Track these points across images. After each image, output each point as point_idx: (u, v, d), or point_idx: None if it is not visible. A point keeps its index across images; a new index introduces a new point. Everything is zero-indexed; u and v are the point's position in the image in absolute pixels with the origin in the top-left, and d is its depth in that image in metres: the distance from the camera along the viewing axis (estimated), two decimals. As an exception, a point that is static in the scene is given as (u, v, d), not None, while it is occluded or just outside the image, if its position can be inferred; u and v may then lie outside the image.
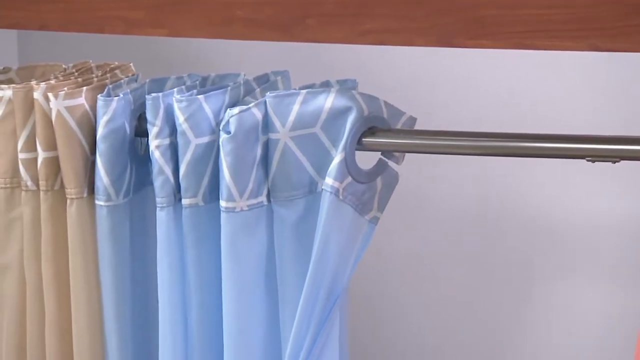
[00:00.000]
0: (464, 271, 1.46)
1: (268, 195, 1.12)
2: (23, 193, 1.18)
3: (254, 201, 1.10)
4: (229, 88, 1.14)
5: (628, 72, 1.29)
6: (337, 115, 1.08)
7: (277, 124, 1.09)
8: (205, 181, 1.12)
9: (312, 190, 1.11)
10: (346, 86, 1.14)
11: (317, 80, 1.14)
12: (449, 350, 1.50)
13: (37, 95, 1.15)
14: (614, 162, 1.03)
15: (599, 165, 1.03)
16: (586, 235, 1.37)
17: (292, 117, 1.09)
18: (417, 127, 1.11)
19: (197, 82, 1.20)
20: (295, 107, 1.09)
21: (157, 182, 1.13)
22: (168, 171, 1.12)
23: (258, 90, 1.18)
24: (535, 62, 1.30)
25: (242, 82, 1.17)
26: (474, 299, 1.46)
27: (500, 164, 1.37)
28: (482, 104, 1.38)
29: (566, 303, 1.41)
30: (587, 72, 1.32)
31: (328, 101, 1.08)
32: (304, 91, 1.09)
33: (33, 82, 1.18)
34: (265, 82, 1.20)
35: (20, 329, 1.21)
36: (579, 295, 1.40)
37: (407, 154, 1.11)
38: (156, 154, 1.12)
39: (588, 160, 1.03)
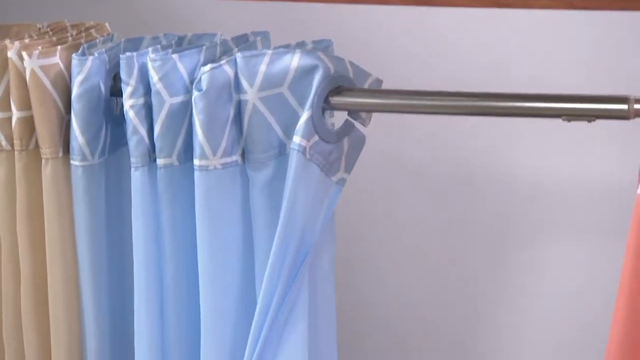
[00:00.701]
0: (442, 232, 1.46)
1: (242, 155, 1.11)
2: (-3, 153, 1.18)
3: (227, 160, 1.10)
4: (204, 47, 1.14)
5: (603, 30, 1.28)
6: (303, 74, 1.08)
7: (245, 84, 1.09)
8: (180, 141, 1.12)
9: (282, 151, 1.11)
10: (321, 46, 1.14)
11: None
12: (428, 309, 1.51)
13: (10, 54, 1.15)
14: (590, 121, 1.02)
15: (575, 124, 1.03)
16: (563, 195, 1.37)
17: (259, 78, 1.08)
18: (394, 87, 1.10)
19: (173, 41, 1.19)
20: (262, 68, 1.08)
21: (132, 142, 1.12)
22: (142, 131, 1.12)
23: (236, 50, 1.17)
24: (511, 20, 1.29)
25: (218, 42, 1.16)
26: (452, 259, 1.46)
27: (476, 124, 1.37)
28: (459, 64, 1.37)
29: (545, 262, 1.41)
30: (563, 30, 1.31)
31: (294, 61, 1.08)
32: (269, 51, 1.09)
33: (7, 41, 1.17)
34: (244, 42, 1.19)
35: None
36: (558, 254, 1.40)
37: (381, 115, 1.11)
38: (130, 114, 1.11)
39: (564, 120, 1.03)
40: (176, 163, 1.12)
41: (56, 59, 1.14)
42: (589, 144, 1.32)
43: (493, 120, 1.31)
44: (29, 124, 1.16)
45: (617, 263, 1.13)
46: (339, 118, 1.12)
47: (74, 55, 1.13)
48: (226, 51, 1.17)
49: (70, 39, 1.20)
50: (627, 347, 1.07)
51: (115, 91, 1.17)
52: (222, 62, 1.08)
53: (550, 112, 1.04)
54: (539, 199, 1.38)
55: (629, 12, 1.20)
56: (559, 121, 1.02)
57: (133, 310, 1.15)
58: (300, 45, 1.14)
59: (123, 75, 1.11)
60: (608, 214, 1.35)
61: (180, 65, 1.10)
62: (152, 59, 1.09)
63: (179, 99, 1.10)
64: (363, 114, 1.12)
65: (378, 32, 1.39)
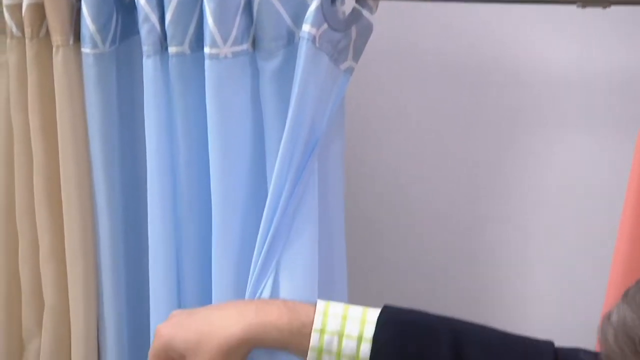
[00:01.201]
0: (451, 122, 1.46)
1: (253, 44, 1.11)
2: (8, 40, 1.18)
3: (238, 48, 1.09)
4: None
5: None
6: (312, -38, 1.07)
7: (254, -29, 1.08)
8: (192, 29, 1.11)
9: (291, 40, 1.10)
10: None
11: None
12: (437, 199, 1.51)
13: (20, -60, 1.14)
14: (605, 7, 1.01)
15: (588, 13, 1.01)
16: (573, 87, 1.36)
17: None
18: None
19: None
20: None
21: (143, 30, 1.12)
22: (154, 19, 1.11)
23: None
24: None
25: None
26: (461, 149, 1.46)
27: (488, 12, 1.35)
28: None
29: (552, 152, 1.41)
30: None
31: (302, -52, 1.07)
32: None
33: None
34: None
35: (7, 176, 1.23)
36: (566, 146, 1.40)
37: (390, 3, 1.10)
38: (141, 1, 1.11)
39: (578, 6, 1.01)
40: (188, 51, 1.12)
41: (66, -55, 1.13)
42: (602, 34, 1.30)
43: (505, 9, 1.30)
44: (39, 11, 1.15)
45: (626, 157, 1.13)
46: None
47: (83, -60, 1.12)
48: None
49: None
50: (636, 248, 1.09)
51: (126, -22, 1.16)
52: None
53: (565, -3, 1.02)
54: (549, 90, 1.37)
55: None
56: (572, 9, 1.01)
57: (146, 200, 1.17)
58: None
59: (134, -39, 1.10)
60: (619, 107, 1.34)
61: (189, -48, 1.09)
62: (163, -56, 1.08)
63: (190, -15, 1.09)
64: (370, 1, 1.11)
65: None
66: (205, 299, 1.17)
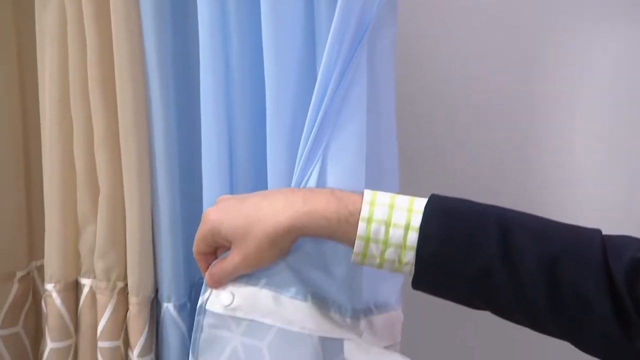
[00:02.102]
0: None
1: None
2: None
3: None
4: None
5: None
6: None
7: None
8: None
9: None
10: None
11: None
12: (483, 74, 1.50)
13: None
14: None
15: None
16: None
17: None
18: None
19: None
20: None
21: None
22: None
23: None
24: None
25: None
26: (513, 30, 1.45)
27: None
28: None
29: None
30: None
31: None
32: None
33: None
34: None
35: (62, 63, 1.24)
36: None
37: None
38: None
39: None
40: None
41: None
42: None
43: None
44: None
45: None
46: None
47: None
48: None
49: None
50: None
51: None
52: None
53: None
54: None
55: None
56: None
57: (199, 92, 1.17)
58: None
59: None
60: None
61: None
62: None
63: None
64: None
65: None
66: (258, 187, 1.18)
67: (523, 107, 1.49)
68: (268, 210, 1.05)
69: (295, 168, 1.11)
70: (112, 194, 1.23)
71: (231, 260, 1.08)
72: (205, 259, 1.12)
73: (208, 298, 1.12)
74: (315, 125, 1.09)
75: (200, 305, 1.12)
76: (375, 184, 1.11)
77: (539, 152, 1.51)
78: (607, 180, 1.49)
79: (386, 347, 1.13)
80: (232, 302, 1.11)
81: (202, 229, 1.09)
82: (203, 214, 1.10)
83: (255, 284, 1.11)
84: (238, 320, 1.11)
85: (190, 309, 1.25)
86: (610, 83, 1.42)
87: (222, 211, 1.08)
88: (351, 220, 1.03)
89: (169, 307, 1.24)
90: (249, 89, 1.17)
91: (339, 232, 1.04)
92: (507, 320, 1.03)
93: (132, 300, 1.23)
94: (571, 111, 1.48)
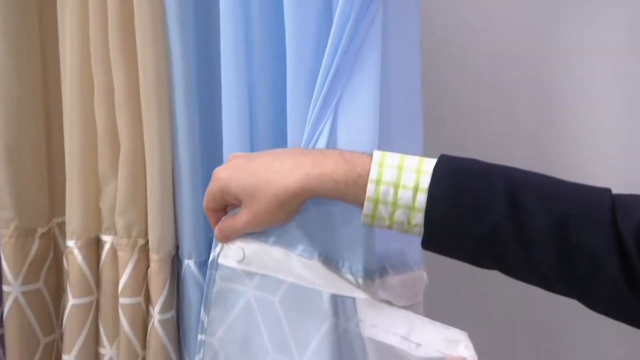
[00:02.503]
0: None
1: None
2: None
3: None
4: None
5: None
6: None
7: None
8: None
9: None
10: None
11: None
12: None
13: None
14: None
15: None
16: None
17: None
18: None
19: None
20: None
21: None
22: None
23: None
24: None
25: None
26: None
27: None
28: None
29: None
30: None
31: None
32: None
33: None
34: None
35: (82, 21, 1.23)
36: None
37: None
38: None
39: None
40: None
41: None
42: None
43: None
44: None
45: None
46: None
47: None
48: None
49: None
50: None
51: None
52: None
53: None
54: None
55: None
56: None
57: (219, 47, 1.17)
58: None
59: None
60: None
61: None
62: None
63: None
64: None
65: None
66: (278, 144, 1.18)
67: (544, 66, 1.49)
68: (278, 172, 1.05)
69: (307, 122, 1.11)
70: (132, 151, 1.23)
71: (240, 218, 1.09)
72: (215, 214, 1.13)
73: (220, 252, 1.13)
74: (328, 79, 1.09)
75: (212, 260, 1.13)
76: (399, 148, 1.11)
77: (560, 114, 1.51)
78: (629, 146, 1.48)
79: (406, 307, 1.13)
80: (243, 259, 1.12)
81: (212, 187, 1.10)
82: (213, 172, 1.11)
83: (264, 241, 1.12)
84: (251, 274, 1.12)
85: (210, 265, 1.26)
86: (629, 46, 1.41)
87: (231, 170, 1.08)
88: (360, 183, 1.03)
89: (189, 264, 1.25)
90: (268, 43, 1.17)
91: (348, 194, 1.04)
92: (517, 279, 1.04)
93: (153, 257, 1.24)
94: (592, 72, 1.47)
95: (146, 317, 1.26)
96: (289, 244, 1.12)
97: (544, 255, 0.99)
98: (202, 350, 1.14)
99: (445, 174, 1.02)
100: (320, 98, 1.09)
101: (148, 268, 1.25)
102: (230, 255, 1.13)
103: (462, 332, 1.03)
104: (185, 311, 1.26)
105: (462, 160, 1.04)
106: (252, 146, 1.19)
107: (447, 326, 1.04)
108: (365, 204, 1.03)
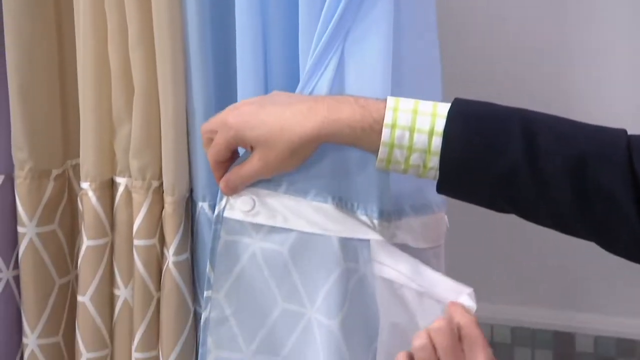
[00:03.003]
0: None
1: None
2: None
3: None
4: None
5: None
6: None
7: None
8: None
9: None
10: None
11: None
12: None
13: None
14: None
15: None
16: None
17: None
18: None
19: None
20: None
21: None
22: None
23: None
24: None
25: None
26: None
27: None
28: None
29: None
30: None
31: None
32: None
33: None
34: None
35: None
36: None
37: None
38: None
39: None
40: None
41: None
42: None
43: None
44: None
45: None
46: None
47: None
48: None
49: None
50: None
51: None
52: None
53: None
54: None
55: None
56: None
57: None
58: None
59: None
60: None
61: None
62: None
63: None
64: None
65: None
66: (292, 86, 1.17)
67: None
68: (292, 119, 1.05)
69: (310, 55, 1.10)
70: (146, 92, 1.23)
71: (251, 166, 1.09)
72: (223, 166, 1.12)
73: (225, 206, 1.13)
74: (336, 14, 1.08)
75: (218, 214, 1.13)
76: (419, 92, 1.10)
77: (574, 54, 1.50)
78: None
79: (426, 250, 1.14)
80: (253, 208, 1.12)
81: (226, 135, 1.09)
82: (217, 119, 1.10)
83: (275, 189, 1.12)
84: (257, 226, 1.12)
85: (224, 208, 1.26)
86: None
87: (241, 117, 1.08)
88: (376, 128, 1.03)
89: (203, 207, 1.25)
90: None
91: (364, 140, 1.04)
92: (532, 222, 1.04)
93: (167, 199, 1.24)
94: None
95: (160, 259, 1.26)
96: (301, 191, 1.12)
97: (561, 195, 0.99)
98: (208, 307, 1.14)
99: (460, 116, 1.02)
100: (327, 31, 1.09)
101: (162, 210, 1.25)
102: (237, 206, 1.12)
103: (469, 287, 1.03)
104: (199, 253, 1.26)
105: (477, 103, 1.04)
106: (267, 88, 1.19)
107: (454, 280, 1.05)
108: (381, 148, 1.03)
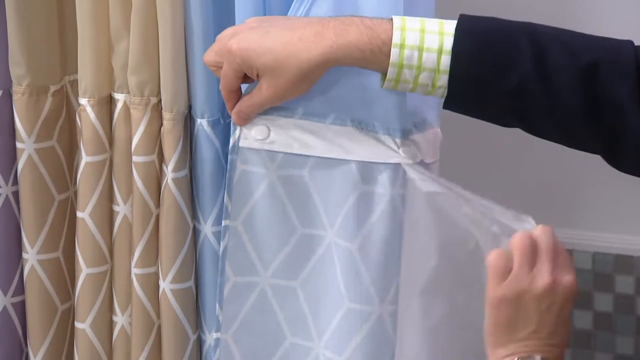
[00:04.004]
0: None
1: None
2: None
3: None
4: None
5: None
6: None
7: None
8: None
9: None
10: None
11: None
12: None
13: None
14: None
15: None
16: None
17: None
18: None
19: None
20: None
21: None
22: None
23: None
24: None
25: None
26: None
27: None
28: None
29: None
30: None
31: None
32: None
33: None
34: None
35: None
36: None
37: None
38: None
39: None
40: None
41: None
42: None
43: None
44: None
45: None
46: None
47: None
48: None
49: None
50: None
51: None
52: None
53: None
54: None
55: None
56: None
57: None
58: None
59: None
60: None
61: None
62: None
63: None
64: None
65: None
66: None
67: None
68: (299, 44, 1.04)
69: None
70: (144, 7, 1.22)
71: (260, 94, 1.08)
72: (237, 95, 1.11)
73: (240, 135, 1.12)
74: None
75: (233, 145, 1.13)
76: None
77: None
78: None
79: (431, 164, 1.14)
80: (267, 136, 1.12)
81: (232, 64, 1.07)
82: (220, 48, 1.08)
83: (291, 116, 1.11)
84: (273, 154, 1.12)
85: (223, 125, 1.26)
86: None
87: (246, 43, 1.06)
88: (384, 49, 1.03)
89: (202, 123, 1.25)
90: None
91: (373, 61, 1.04)
92: (539, 137, 1.04)
93: (166, 115, 1.24)
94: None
95: (159, 175, 1.27)
96: (319, 115, 1.11)
97: (569, 105, 1.00)
98: (226, 236, 1.15)
99: (468, 33, 1.02)
100: None
101: (161, 127, 1.25)
102: (251, 136, 1.12)
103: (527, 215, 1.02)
104: (198, 170, 1.26)
105: (483, 19, 1.03)
106: (265, 4, 1.18)
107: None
108: (390, 68, 1.03)
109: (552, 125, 1.03)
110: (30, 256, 1.31)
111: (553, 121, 1.02)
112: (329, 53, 1.03)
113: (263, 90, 1.08)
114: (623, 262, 1.73)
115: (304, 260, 1.14)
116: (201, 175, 1.26)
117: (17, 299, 1.35)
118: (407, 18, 1.03)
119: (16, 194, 1.33)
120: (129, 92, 1.26)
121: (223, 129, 1.25)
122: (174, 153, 1.24)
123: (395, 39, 1.02)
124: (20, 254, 1.33)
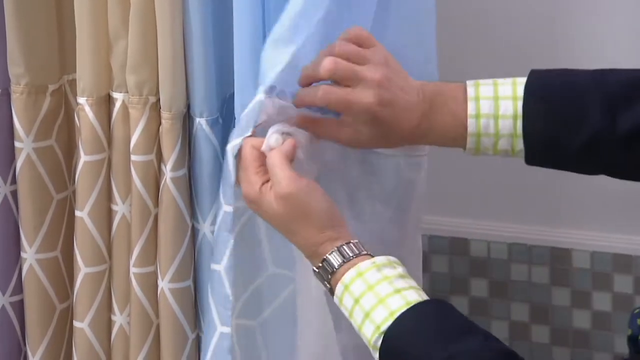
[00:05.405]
0: None
1: None
2: None
3: None
4: None
5: None
6: None
7: None
8: None
9: None
10: None
11: None
12: None
13: None
14: None
15: None
16: None
17: None
18: None
19: None
20: None
21: None
22: None
23: None
24: None
25: None
26: None
27: None
28: None
29: None
30: None
31: None
32: None
33: None
34: None
35: None
36: None
37: None
38: None
39: None
40: None
41: None
42: None
43: None
44: None
45: None
46: None
47: None
48: None
49: None
50: None
51: None
52: None
53: None
54: None
55: None
56: None
57: None
58: None
59: None
60: None
61: None
62: None
63: None
64: None
65: None
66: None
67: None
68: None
69: None
70: (143, 7, 1.22)
71: (344, 131, 1.10)
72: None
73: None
74: None
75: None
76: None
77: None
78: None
79: None
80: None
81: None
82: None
83: None
84: None
85: (222, 124, 1.26)
86: None
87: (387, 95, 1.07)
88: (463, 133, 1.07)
89: (201, 122, 1.25)
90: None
91: (454, 142, 1.09)
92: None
93: (165, 115, 1.24)
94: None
95: (158, 174, 1.27)
96: None
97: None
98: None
99: (537, 93, 1.05)
100: None
101: (160, 126, 1.25)
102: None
103: None
104: (197, 169, 1.26)
105: (552, 74, 1.06)
106: (264, 5, 1.18)
107: None
108: (469, 139, 1.06)
109: (633, 170, 1.05)
110: (29, 255, 1.31)
111: (632, 167, 1.04)
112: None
113: (353, 133, 1.08)
114: (621, 262, 1.73)
115: None
116: (200, 174, 1.26)
117: (16, 298, 1.35)
118: (481, 83, 1.07)
119: (15, 194, 1.33)
120: (127, 92, 1.26)
121: (222, 128, 1.25)
122: (172, 152, 1.24)
123: (470, 110, 1.05)
124: (19, 253, 1.33)
